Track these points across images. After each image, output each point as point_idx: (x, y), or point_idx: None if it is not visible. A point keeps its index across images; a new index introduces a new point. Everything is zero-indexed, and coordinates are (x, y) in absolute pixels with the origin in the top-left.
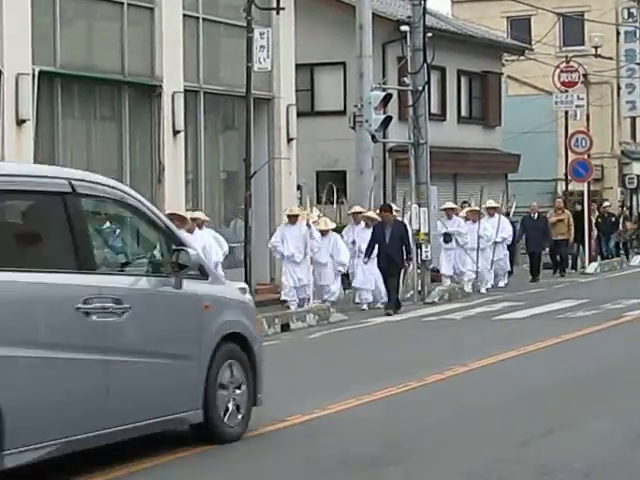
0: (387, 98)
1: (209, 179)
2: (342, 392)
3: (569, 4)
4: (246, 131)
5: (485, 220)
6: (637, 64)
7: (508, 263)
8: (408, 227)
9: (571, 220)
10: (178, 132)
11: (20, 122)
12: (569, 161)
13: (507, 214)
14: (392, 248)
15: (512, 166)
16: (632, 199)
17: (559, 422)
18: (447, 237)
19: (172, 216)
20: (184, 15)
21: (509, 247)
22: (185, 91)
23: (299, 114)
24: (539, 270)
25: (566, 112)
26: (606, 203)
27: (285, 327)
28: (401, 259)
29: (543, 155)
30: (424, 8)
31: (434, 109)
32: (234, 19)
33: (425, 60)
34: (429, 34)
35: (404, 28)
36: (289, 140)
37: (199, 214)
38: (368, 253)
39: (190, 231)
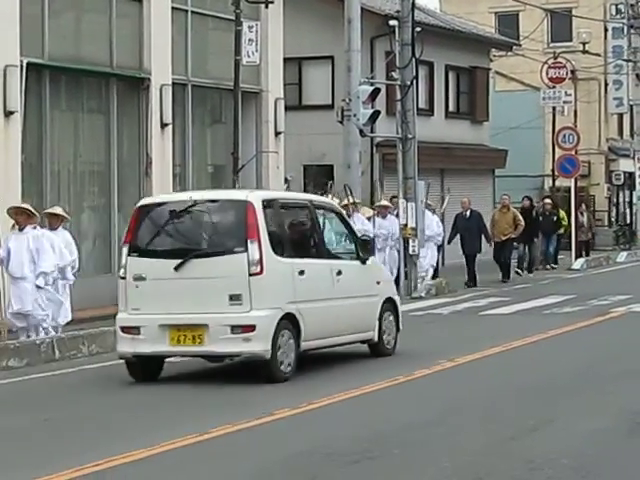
0: (375, 92)
1: (197, 172)
2: (330, 386)
3: (557, 0)
4: (234, 124)
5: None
6: (625, 61)
7: (426, 265)
8: None
9: (519, 218)
10: (166, 125)
11: (8, 113)
12: (556, 157)
13: (433, 210)
14: None
15: (499, 161)
16: (619, 195)
17: (546, 418)
18: None
19: (16, 210)
20: (173, 8)
21: (439, 247)
22: (173, 84)
23: (287, 108)
24: (474, 274)
25: (554, 108)
26: (547, 200)
27: None
28: None
29: (530, 151)
30: (413, 3)
31: (422, 104)
32: (223, 12)
33: (413, 55)
34: (418, 29)
35: (393, 23)
36: (277, 134)
37: (60, 210)
38: None
39: (54, 227)
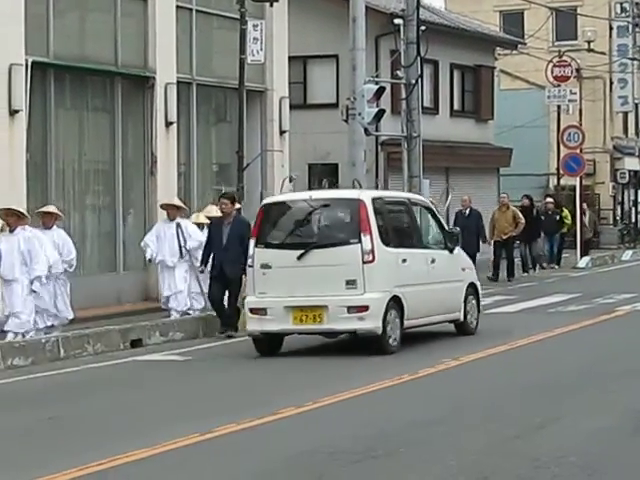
0: (380, 91)
1: (201, 171)
2: (336, 385)
3: None
4: (239, 123)
5: None
6: (630, 59)
7: None
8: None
9: (519, 217)
10: (171, 124)
11: (13, 112)
12: (561, 155)
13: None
14: (230, 253)
15: (504, 160)
16: (624, 194)
17: (552, 416)
18: None
19: (6, 212)
20: (177, 7)
21: None
22: (178, 83)
23: (292, 107)
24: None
25: (558, 106)
26: (549, 199)
27: None
28: (241, 267)
29: (535, 149)
30: (418, 1)
31: (427, 102)
32: (227, 11)
33: (418, 53)
34: (422, 27)
35: (397, 21)
36: (282, 132)
37: (53, 208)
38: (204, 259)
39: (48, 226)
